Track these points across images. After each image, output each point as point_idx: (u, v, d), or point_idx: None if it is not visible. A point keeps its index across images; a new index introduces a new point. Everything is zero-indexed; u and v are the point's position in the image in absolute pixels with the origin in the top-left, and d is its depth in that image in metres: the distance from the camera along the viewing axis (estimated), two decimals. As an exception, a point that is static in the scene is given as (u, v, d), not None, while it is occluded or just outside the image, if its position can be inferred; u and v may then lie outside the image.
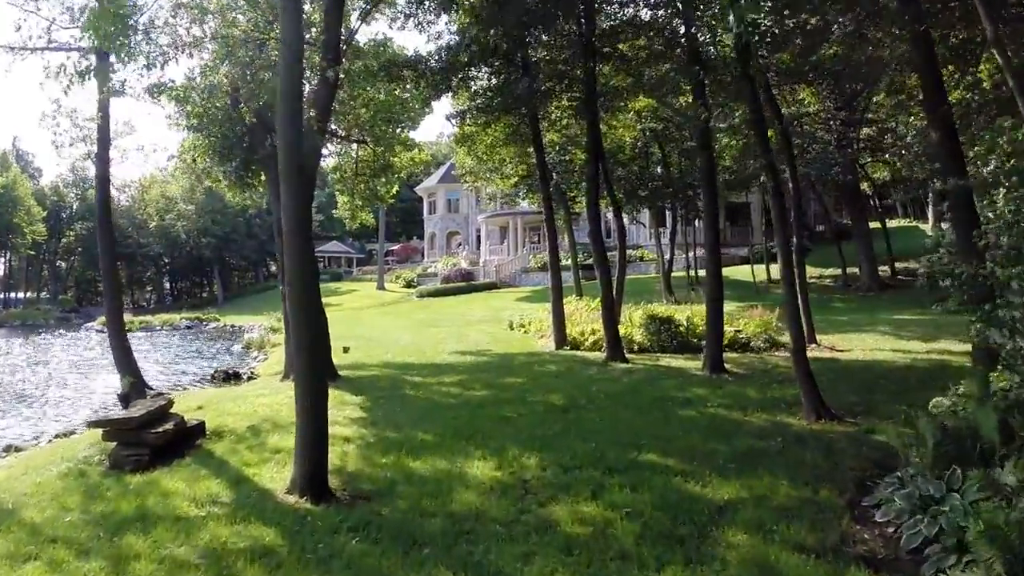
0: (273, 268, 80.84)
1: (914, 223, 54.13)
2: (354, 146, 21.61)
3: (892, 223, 44.06)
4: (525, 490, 6.51)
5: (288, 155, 7.04)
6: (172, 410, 10.37)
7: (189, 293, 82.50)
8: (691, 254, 38.73)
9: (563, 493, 6.34)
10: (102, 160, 17.22)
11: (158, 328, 46.09)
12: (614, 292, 17.67)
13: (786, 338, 18.65)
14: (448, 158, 69.84)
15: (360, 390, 12.85)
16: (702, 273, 37.90)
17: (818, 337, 18.08)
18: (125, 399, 15.66)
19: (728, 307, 17.23)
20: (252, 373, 20.76)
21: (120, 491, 7.13)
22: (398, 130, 20.88)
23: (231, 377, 19.52)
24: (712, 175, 14.82)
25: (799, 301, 10.32)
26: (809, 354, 17.42)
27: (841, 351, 16.50)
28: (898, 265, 35.04)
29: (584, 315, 22.22)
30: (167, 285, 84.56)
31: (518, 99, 17.03)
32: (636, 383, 12.64)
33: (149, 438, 8.57)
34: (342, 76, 20.14)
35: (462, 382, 13.35)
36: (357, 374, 15.11)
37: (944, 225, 41.86)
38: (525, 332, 23.93)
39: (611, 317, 16.35)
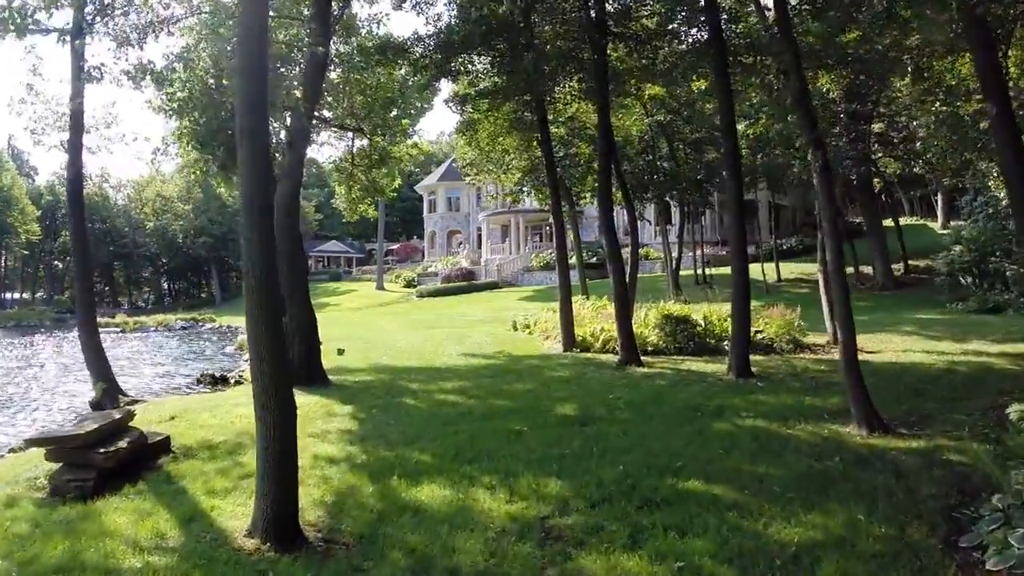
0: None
1: (922, 221, 53.09)
2: (351, 135, 20.40)
3: (901, 221, 43.04)
4: (546, 533, 5.21)
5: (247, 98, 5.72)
6: (141, 422, 9.13)
7: (187, 294, 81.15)
8: (699, 252, 37.55)
9: (593, 537, 5.05)
10: (75, 148, 15.95)
11: (152, 329, 44.83)
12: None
13: (811, 339, 17.54)
14: (449, 156, 68.66)
15: (351, 398, 11.58)
16: (710, 271, 37.18)
17: (845, 338, 16.98)
18: (97, 407, 14.40)
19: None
20: (240, 377, 19.41)
21: (51, 528, 5.85)
22: (396, 114, 19.65)
23: (218, 381, 18.21)
24: (737, 162, 13.54)
25: (846, 298, 9.01)
26: (837, 356, 16.39)
27: (871, 352, 15.22)
28: (911, 263, 33.93)
29: (591, 315, 20.94)
30: (165, 286, 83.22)
31: (522, 79, 15.72)
32: (658, 390, 11.37)
33: (97, 459, 7.28)
34: (335, 59, 19.03)
35: (464, 389, 12.08)
36: (350, 379, 13.84)
37: (957, 223, 40.98)
38: (530, 333, 22.68)
39: (626, 317, 15.09)
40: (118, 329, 42.10)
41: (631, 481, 6.22)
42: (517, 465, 6.88)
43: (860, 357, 15.31)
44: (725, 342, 17.31)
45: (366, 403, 10.99)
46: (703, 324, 17.40)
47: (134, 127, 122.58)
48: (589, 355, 16.69)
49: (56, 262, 77.31)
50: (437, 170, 68.95)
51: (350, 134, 20.10)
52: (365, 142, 20.18)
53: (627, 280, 16.85)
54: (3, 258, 70.87)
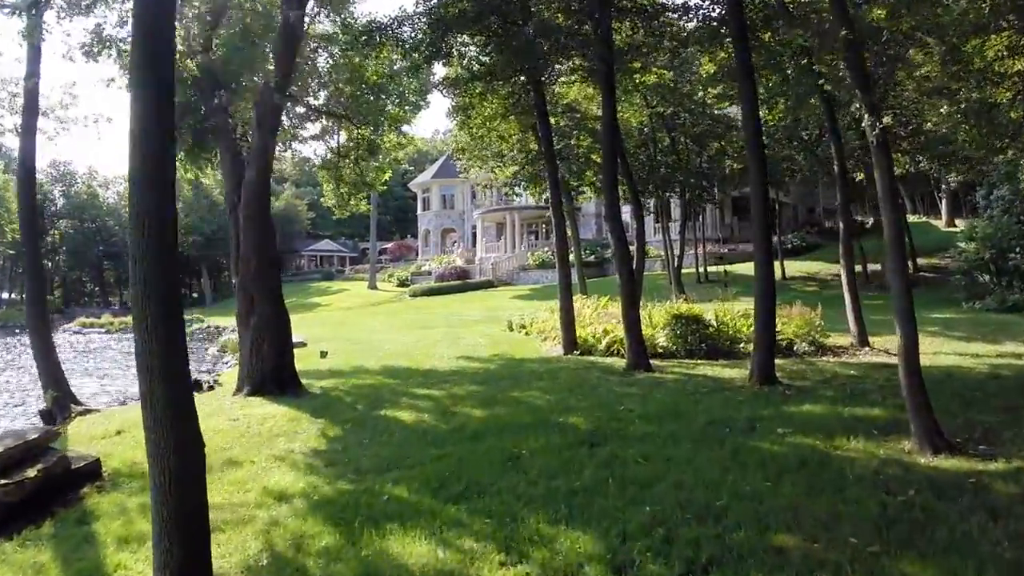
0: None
1: (925, 219, 51.93)
2: (338, 129, 18.94)
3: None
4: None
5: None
6: (80, 438, 7.76)
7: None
8: (700, 249, 36.18)
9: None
10: (28, 130, 14.52)
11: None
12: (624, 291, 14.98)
13: (833, 340, 16.17)
14: (443, 154, 67.24)
15: (324, 409, 10.14)
16: (724, 268, 35.84)
17: (869, 339, 15.63)
18: (48, 416, 12.98)
19: (751, 305, 14.78)
20: (215, 381, 17.97)
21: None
22: (388, 106, 18.22)
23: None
24: (760, 147, 12.11)
25: (907, 293, 7.61)
26: (865, 359, 15.02)
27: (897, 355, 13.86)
28: (918, 261, 32.70)
29: (593, 315, 19.56)
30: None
31: (519, 58, 14.27)
32: (675, 400, 9.95)
33: (-6, 494, 5.88)
34: (319, 41, 17.59)
35: (454, 397, 10.65)
36: (327, 385, 12.39)
37: (962, 220, 39.77)
38: (527, 333, 21.27)
39: (635, 316, 13.70)
40: (102, 329, 40.51)
41: (663, 530, 4.79)
42: (516, 504, 5.45)
43: (886, 360, 14.09)
44: (740, 344, 15.97)
45: (340, 416, 9.55)
46: (715, 324, 16.04)
47: (97, 108, 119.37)
48: (592, 358, 15.30)
49: (46, 261, 75.49)
50: (431, 167, 67.49)
51: (338, 128, 18.66)
52: (353, 132, 18.77)
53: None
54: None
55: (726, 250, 42.43)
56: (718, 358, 14.95)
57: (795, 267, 35.57)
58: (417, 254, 65.26)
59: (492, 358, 15.99)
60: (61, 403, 12.97)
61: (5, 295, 73.44)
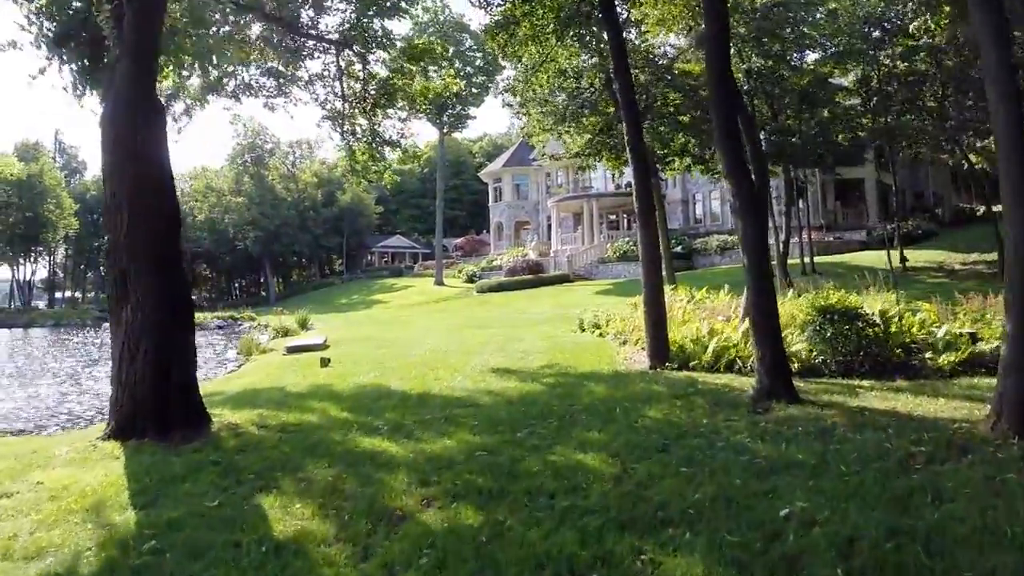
0: (339, 265, 75.41)
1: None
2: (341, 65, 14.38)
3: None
4: None
5: None
6: None
7: (247, 291, 78.02)
8: (804, 237, 29.92)
9: None
10: None
11: (182, 328, 40.43)
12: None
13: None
14: (515, 143, 62.58)
15: (192, 472, 5.43)
16: (818, 259, 29.76)
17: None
18: None
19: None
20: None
21: None
22: (405, 29, 13.56)
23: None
24: (1007, 45, 6.67)
25: None
26: None
27: None
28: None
29: (690, 311, 14.38)
30: (224, 282, 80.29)
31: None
32: (898, 491, 4.70)
33: None
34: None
35: (448, 459, 5.65)
36: (246, 420, 7.63)
37: None
38: (601, 335, 16.18)
39: (770, 313, 8.44)
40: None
41: None
42: None
43: None
44: (920, 353, 10.50)
45: (200, 499, 4.81)
46: (881, 324, 10.56)
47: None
48: (693, 375, 10.09)
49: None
50: (502, 156, 62.96)
51: (337, 59, 14.09)
52: (359, 70, 14.19)
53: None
54: (52, 258, 69.21)
55: (831, 238, 36.40)
56: (892, 375, 9.61)
57: (915, 256, 29.07)
58: (491, 249, 60.81)
59: (542, 372, 10.97)
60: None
61: (68, 294, 73.84)
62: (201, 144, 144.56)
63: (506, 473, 5.09)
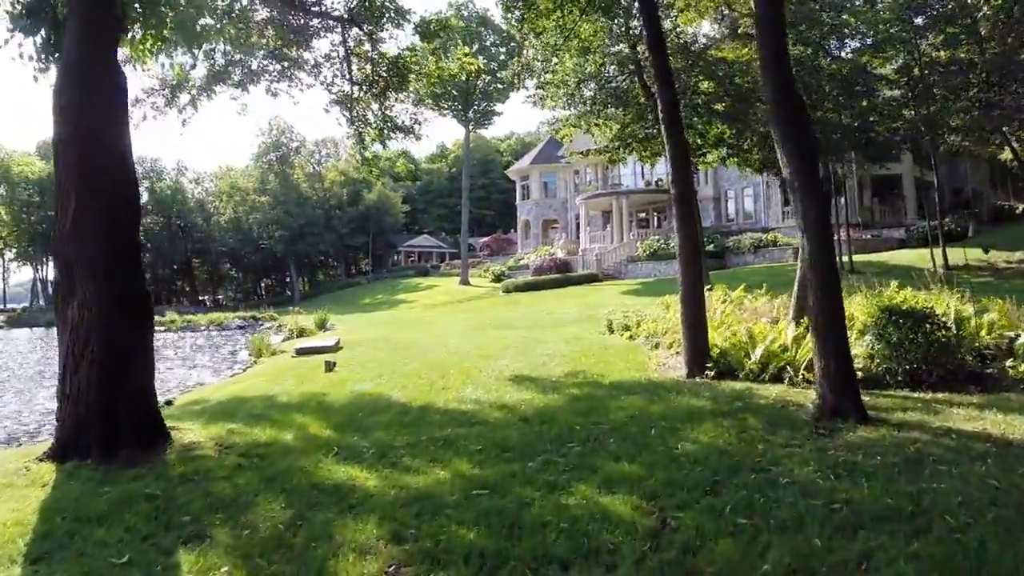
0: (364, 265, 74.82)
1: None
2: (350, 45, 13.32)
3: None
4: None
5: None
6: None
7: (272, 291, 77.75)
8: (843, 235, 28.13)
9: None
10: None
11: (203, 328, 40.02)
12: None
13: None
14: (543, 140, 61.27)
15: (115, 511, 4.36)
16: (856, 258, 28.08)
17: None
18: None
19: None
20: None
21: None
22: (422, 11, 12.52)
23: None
24: None
25: None
26: None
27: None
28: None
29: (726, 313, 13.06)
30: (250, 282, 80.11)
31: None
32: (1007, 539, 3.44)
33: None
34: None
35: (444, 499, 4.56)
36: (213, 436, 6.56)
37: None
38: (631, 337, 14.90)
39: (838, 317, 7.10)
40: (162, 328, 37.28)
41: None
42: None
43: None
44: (998, 361, 9.12)
45: (108, 553, 3.72)
46: (953, 327, 9.19)
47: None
48: (736, 385, 8.79)
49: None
50: (530, 153, 61.73)
51: (345, 39, 13.02)
52: (368, 51, 13.10)
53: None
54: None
55: (868, 236, 34.82)
56: (965, 386, 8.31)
57: (956, 255, 27.20)
58: (518, 248, 59.59)
59: (565, 380, 9.75)
60: None
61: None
62: (225, 143, 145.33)
63: (508, 525, 3.91)
